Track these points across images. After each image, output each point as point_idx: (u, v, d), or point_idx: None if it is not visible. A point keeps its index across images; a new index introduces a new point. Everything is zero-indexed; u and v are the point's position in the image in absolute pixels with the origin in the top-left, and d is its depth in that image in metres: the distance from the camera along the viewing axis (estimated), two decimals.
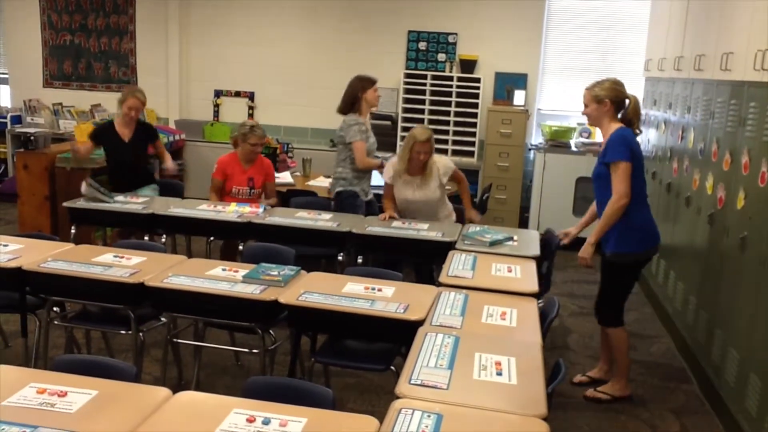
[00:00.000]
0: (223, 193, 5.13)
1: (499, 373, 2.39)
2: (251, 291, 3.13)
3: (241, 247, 4.56)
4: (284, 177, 6.27)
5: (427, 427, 1.99)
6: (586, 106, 3.79)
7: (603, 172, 3.75)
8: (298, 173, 6.60)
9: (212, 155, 7.69)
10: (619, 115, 3.80)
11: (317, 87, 7.93)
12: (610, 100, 3.72)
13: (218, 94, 8.22)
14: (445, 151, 7.40)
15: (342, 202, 4.98)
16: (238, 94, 8.19)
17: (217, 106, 8.22)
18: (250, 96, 8.10)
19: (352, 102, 4.88)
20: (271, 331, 3.38)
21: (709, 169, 4.25)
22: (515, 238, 4.29)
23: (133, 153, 5.29)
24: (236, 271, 3.38)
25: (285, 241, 4.11)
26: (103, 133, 5.26)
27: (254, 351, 3.40)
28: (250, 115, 8.13)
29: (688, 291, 4.60)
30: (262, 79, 8.09)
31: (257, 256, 3.74)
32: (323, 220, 4.59)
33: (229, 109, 8.24)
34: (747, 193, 3.57)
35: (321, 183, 6.17)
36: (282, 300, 3.05)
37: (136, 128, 5.29)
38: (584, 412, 3.79)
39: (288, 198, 5.62)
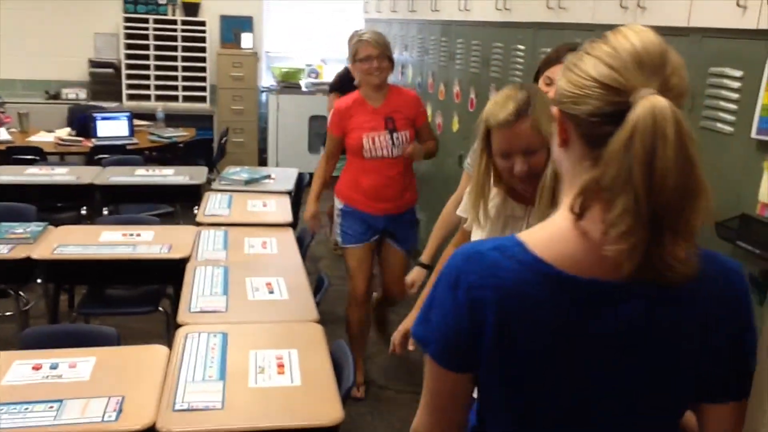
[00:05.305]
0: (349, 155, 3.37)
1: (271, 292, 2.61)
2: None
3: None
4: (1, 134, 5.71)
5: (215, 345, 2.14)
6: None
7: None
8: (14, 129, 6.03)
9: None
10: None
11: (22, 35, 7.19)
12: (560, 108, 0.98)
13: None
14: (175, 98, 7.26)
15: None
16: None
17: None
18: None
19: None
20: (21, 293, 3.22)
21: (428, 100, 4.79)
22: (273, 176, 4.45)
23: None
24: None
25: (20, 201, 3.82)
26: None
27: (8, 314, 3.20)
28: None
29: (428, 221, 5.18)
30: None
31: None
32: (60, 175, 4.34)
33: None
34: (460, 117, 4.14)
35: (44, 138, 5.73)
36: (35, 256, 2.92)
37: None
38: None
39: (8, 156, 5.16)
